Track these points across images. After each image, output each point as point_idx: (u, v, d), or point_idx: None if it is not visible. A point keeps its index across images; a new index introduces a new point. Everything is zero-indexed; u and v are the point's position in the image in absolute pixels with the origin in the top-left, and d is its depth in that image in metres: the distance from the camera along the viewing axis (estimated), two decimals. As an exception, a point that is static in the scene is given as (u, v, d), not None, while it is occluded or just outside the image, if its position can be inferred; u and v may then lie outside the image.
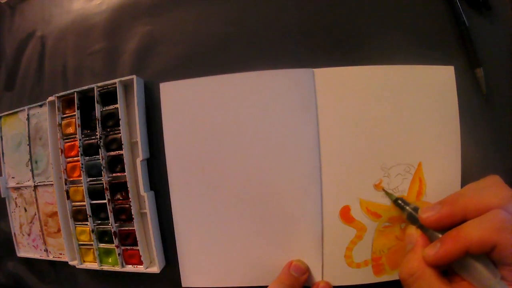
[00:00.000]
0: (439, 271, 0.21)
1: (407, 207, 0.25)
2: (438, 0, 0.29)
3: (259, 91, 0.29)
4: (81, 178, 0.33)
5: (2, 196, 0.40)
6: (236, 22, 0.32)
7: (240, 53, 0.31)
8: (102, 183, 0.32)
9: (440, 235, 0.22)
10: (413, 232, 0.24)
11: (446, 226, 0.22)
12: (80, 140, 0.33)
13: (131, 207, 0.32)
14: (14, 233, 0.40)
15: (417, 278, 0.21)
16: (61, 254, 0.37)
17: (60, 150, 0.35)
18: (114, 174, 0.32)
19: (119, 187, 0.32)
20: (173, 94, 0.31)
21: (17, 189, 0.39)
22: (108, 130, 0.33)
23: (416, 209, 0.25)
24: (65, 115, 0.35)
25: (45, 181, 0.37)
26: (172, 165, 0.31)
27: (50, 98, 0.35)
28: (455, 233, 0.21)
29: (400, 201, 0.26)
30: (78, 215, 0.34)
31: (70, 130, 0.34)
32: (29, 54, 0.40)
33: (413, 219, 0.24)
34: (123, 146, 0.32)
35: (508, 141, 0.28)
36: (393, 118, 0.28)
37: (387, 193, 0.28)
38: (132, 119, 0.32)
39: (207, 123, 0.30)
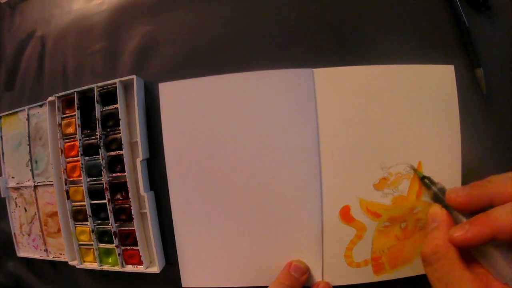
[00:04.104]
0: (461, 254, 0.21)
1: (434, 186, 0.26)
2: (438, 0, 0.29)
3: (259, 91, 0.29)
4: (81, 178, 0.33)
5: (2, 196, 0.40)
6: (235, 22, 0.32)
7: (239, 53, 0.31)
8: (102, 183, 0.32)
9: (464, 219, 0.22)
10: (438, 211, 0.24)
11: (472, 209, 0.22)
12: (80, 140, 0.33)
13: (131, 207, 0.32)
14: (14, 233, 0.40)
15: (441, 256, 0.21)
16: (61, 254, 0.37)
17: (60, 150, 0.35)
18: (114, 174, 0.32)
19: (119, 187, 0.32)
20: (172, 94, 0.31)
21: (17, 189, 0.39)
22: (108, 130, 0.33)
23: (442, 190, 0.25)
24: (65, 115, 0.35)
25: (45, 181, 0.37)
26: (171, 165, 0.31)
27: (50, 98, 0.35)
28: (484, 217, 0.20)
29: (427, 180, 0.27)
30: (78, 215, 0.34)
31: (70, 130, 0.34)
32: (29, 54, 0.40)
33: (438, 199, 0.25)
34: (123, 146, 0.32)
35: (508, 141, 0.28)
36: (393, 118, 0.28)
37: (415, 170, 0.28)
38: (132, 119, 0.32)
39: (207, 123, 0.30)
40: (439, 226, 0.23)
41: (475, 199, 0.22)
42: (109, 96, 0.32)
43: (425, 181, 0.27)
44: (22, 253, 0.40)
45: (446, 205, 0.24)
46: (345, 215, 0.29)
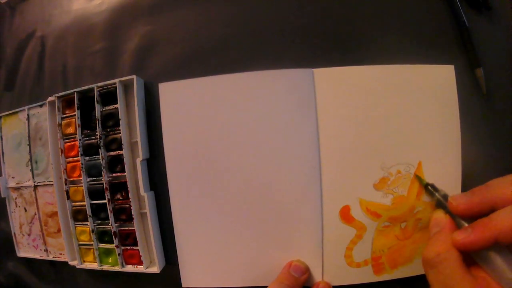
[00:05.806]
0: (463, 258, 0.21)
1: (437, 193, 0.26)
2: (438, 0, 0.29)
3: (259, 91, 0.29)
4: (81, 178, 0.33)
5: (2, 196, 0.40)
6: (235, 22, 0.32)
7: (239, 53, 0.31)
8: (102, 183, 0.32)
9: (466, 224, 0.22)
10: (441, 216, 0.24)
11: (474, 215, 0.22)
12: (80, 140, 0.33)
13: (131, 207, 0.32)
14: (14, 233, 0.40)
15: (443, 259, 0.21)
16: (61, 254, 0.37)
17: (60, 150, 0.35)
18: (114, 174, 0.32)
19: (119, 187, 0.32)
20: (172, 94, 0.31)
21: (17, 189, 0.39)
22: (108, 130, 0.33)
23: (445, 196, 0.25)
24: (65, 115, 0.35)
25: (45, 181, 0.37)
26: (171, 165, 0.31)
27: (50, 98, 0.35)
28: (487, 221, 0.21)
29: (430, 187, 0.27)
30: (78, 215, 0.34)
31: (70, 130, 0.34)
32: (29, 54, 0.40)
33: (442, 206, 0.25)
34: (123, 146, 0.32)
35: (508, 141, 0.28)
36: (393, 118, 0.28)
37: (418, 178, 0.28)
38: (132, 119, 0.32)
39: (207, 123, 0.30)
40: (442, 230, 0.23)
41: (477, 205, 0.22)
42: (109, 96, 0.32)
43: (428, 188, 0.27)
44: (22, 253, 0.40)
45: (449, 211, 0.24)
46: (345, 215, 0.29)
